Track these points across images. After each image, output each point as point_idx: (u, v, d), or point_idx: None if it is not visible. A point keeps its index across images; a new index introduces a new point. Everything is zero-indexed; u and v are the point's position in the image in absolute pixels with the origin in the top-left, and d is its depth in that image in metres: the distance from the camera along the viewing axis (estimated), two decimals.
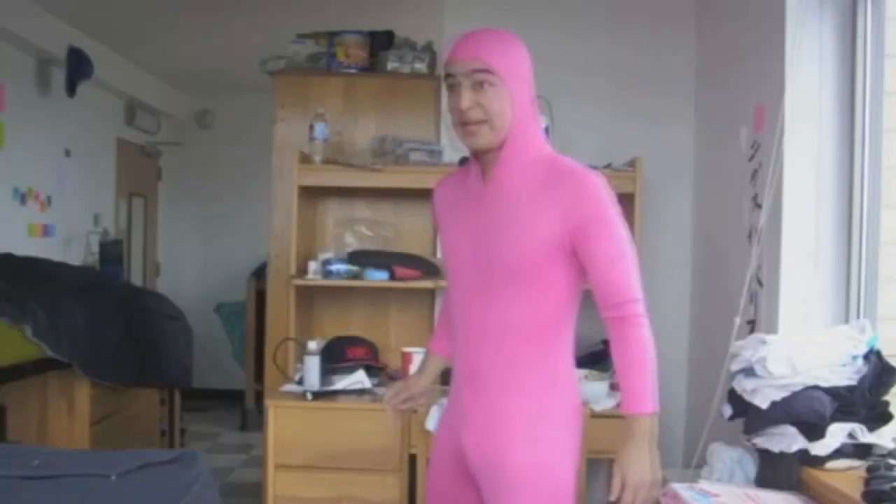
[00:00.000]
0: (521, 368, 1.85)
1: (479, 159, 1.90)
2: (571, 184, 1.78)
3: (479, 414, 1.89)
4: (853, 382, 2.27)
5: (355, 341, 3.33)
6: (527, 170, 1.83)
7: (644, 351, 1.78)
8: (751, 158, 2.86)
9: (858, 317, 2.51)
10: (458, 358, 1.96)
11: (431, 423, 2.76)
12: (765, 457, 2.35)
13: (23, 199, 4.91)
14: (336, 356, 3.21)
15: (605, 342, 3.41)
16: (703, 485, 2.34)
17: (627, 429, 1.77)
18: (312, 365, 2.96)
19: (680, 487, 2.28)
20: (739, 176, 2.94)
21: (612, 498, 1.75)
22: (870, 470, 2.11)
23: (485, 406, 1.88)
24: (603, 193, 1.79)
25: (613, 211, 1.80)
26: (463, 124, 1.83)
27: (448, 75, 1.84)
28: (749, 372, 2.37)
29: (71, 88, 5.06)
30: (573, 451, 1.88)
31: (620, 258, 1.79)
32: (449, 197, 2.01)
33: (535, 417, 1.84)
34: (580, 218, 1.77)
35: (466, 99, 1.80)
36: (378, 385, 3.13)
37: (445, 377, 2.35)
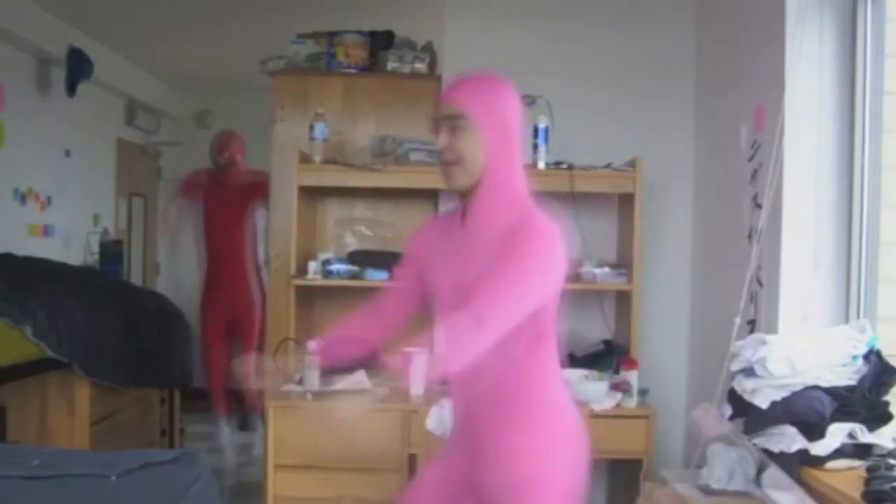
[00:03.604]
0: (512, 401, 1.89)
1: (463, 200, 1.93)
2: (521, 230, 1.79)
3: (480, 448, 1.92)
4: (853, 382, 2.27)
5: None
6: (499, 215, 1.86)
7: (443, 352, 1.72)
8: (751, 158, 2.86)
9: (858, 317, 2.51)
10: (452, 396, 2.02)
11: (431, 423, 2.76)
12: (765, 457, 2.35)
13: (23, 199, 4.92)
14: None
15: (606, 342, 3.42)
16: (703, 485, 2.34)
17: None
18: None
19: (680, 487, 2.28)
20: (739, 176, 2.94)
21: None
22: (870, 470, 2.11)
23: (482, 439, 1.91)
24: (543, 238, 1.79)
25: (541, 255, 1.78)
26: (441, 165, 1.90)
27: (434, 119, 1.91)
28: (749, 372, 2.37)
29: (71, 88, 5.07)
30: (577, 468, 1.91)
31: (507, 282, 1.75)
32: (428, 242, 2.04)
33: (534, 447, 1.88)
34: (510, 242, 1.77)
35: (441, 140, 1.87)
36: (378, 385, 3.11)
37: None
